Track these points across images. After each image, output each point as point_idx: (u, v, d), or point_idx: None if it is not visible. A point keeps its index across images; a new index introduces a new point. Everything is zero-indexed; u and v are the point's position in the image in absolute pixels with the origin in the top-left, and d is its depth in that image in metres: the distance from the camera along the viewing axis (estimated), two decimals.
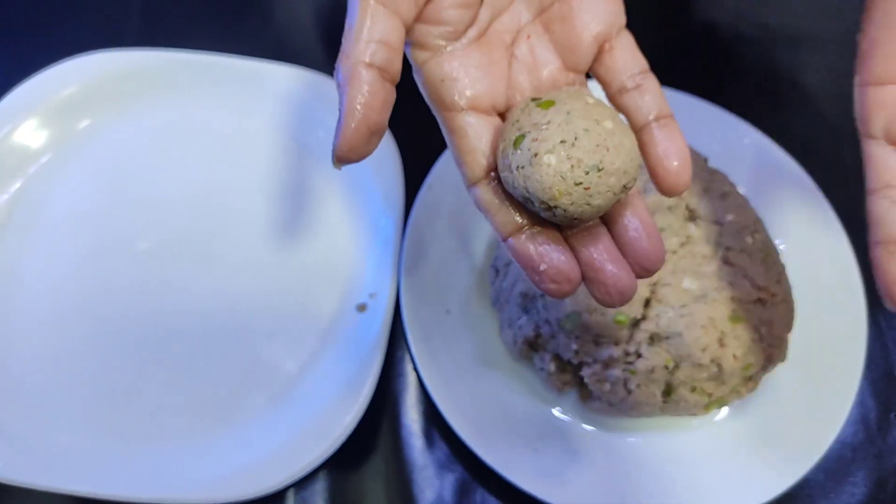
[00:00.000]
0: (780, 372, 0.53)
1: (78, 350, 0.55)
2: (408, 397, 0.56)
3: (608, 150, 0.31)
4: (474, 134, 0.36)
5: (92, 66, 0.64)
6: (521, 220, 0.35)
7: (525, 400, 0.54)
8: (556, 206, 0.31)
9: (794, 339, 0.53)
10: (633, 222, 0.34)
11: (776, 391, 0.54)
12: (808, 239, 0.59)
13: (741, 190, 0.55)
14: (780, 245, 0.57)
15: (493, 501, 0.53)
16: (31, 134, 0.62)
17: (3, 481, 0.49)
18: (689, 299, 0.48)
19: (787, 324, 0.52)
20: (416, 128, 0.62)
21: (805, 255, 0.58)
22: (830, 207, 0.59)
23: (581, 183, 0.31)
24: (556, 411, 0.54)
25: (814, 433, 0.52)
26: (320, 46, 0.71)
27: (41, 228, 0.60)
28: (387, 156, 0.60)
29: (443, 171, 0.60)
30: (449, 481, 0.53)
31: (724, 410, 0.53)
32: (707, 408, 0.51)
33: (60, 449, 0.52)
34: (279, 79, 0.64)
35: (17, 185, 0.61)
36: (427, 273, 0.57)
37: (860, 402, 0.56)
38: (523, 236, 0.34)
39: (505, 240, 0.35)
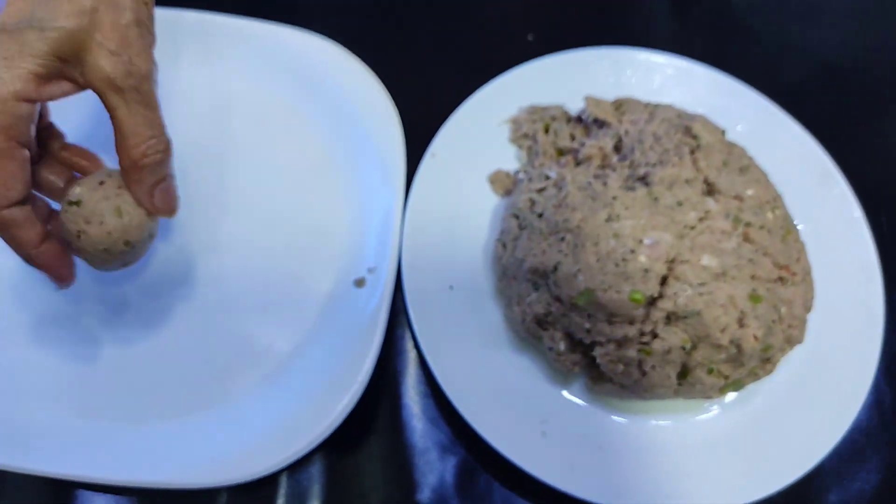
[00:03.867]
0: (794, 354, 0.51)
1: (61, 326, 0.53)
2: (408, 377, 0.53)
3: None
4: None
5: None
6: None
7: (531, 381, 0.52)
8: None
9: (809, 320, 0.51)
10: None
11: (791, 374, 0.52)
12: (825, 218, 0.57)
13: None
14: (796, 221, 0.55)
15: (497, 487, 0.50)
16: None
17: None
18: (708, 277, 0.46)
19: (807, 304, 0.50)
20: (419, 93, 0.60)
21: (821, 234, 0.56)
22: (849, 187, 0.57)
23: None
24: (563, 393, 0.52)
25: (829, 418, 0.51)
26: (319, 8, 0.68)
27: None
28: (387, 123, 0.57)
29: (447, 138, 0.57)
30: (451, 465, 0.51)
31: (738, 393, 0.51)
32: (722, 390, 0.49)
33: (42, 430, 0.49)
34: (274, 39, 0.61)
35: None
36: (429, 247, 0.54)
37: (874, 387, 0.54)
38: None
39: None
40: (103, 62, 0.40)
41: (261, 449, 0.47)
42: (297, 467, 0.50)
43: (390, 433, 0.52)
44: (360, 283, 0.53)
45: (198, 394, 0.51)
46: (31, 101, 0.40)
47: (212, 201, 0.55)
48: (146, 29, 0.43)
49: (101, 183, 0.44)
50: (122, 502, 0.49)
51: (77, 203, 0.43)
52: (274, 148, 0.59)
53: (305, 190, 0.58)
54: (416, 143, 0.57)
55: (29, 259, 0.43)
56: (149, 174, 0.44)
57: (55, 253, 0.44)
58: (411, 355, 0.54)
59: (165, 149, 0.44)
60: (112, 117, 0.42)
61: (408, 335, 0.54)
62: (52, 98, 0.41)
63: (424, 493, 0.50)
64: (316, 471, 0.50)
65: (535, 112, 0.59)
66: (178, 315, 0.53)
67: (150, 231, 0.46)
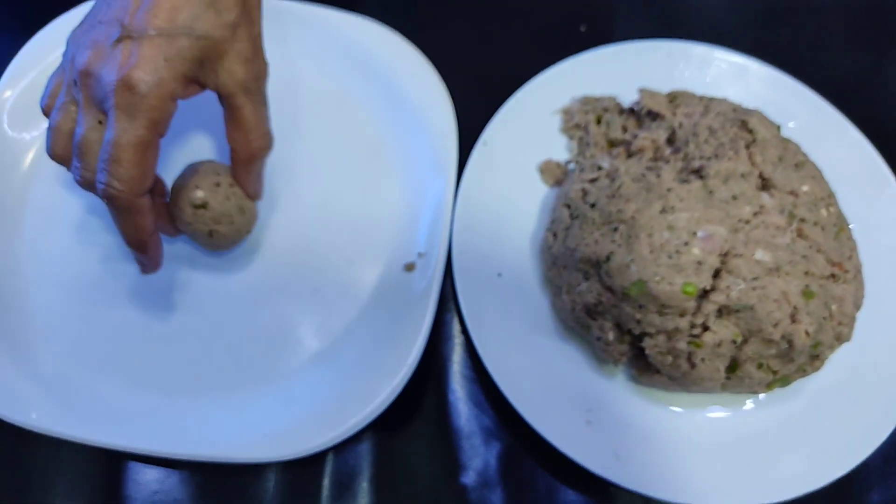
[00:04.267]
0: (841, 352, 0.51)
1: (117, 299, 0.54)
2: (455, 361, 0.54)
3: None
4: None
5: None
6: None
7: (577, 370, 0.52)
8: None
9: (857, 319, 0.50)
10: None
11: (836, 372, 0.52)
12: (875, 218, 0.57)
13: None
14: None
15: (541, 473, 0.51)
16: None
17: (38, 431, 0.48)
18: (761, 271, 0.46)
19: (857, 302, 0.50)
20: (472, 82, 0.60)
21: (870, 234, 0.55)
22: None
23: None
24: (608, 383, 0.52)
25: (874, 417, 0.51)
26: None
27: None
28: (440, 110, 0.57)
29: (498, 127, 0.57)
30: (496, 450, 0.51)
31: (783, 389, 0.51)
32: (770, 386, 0.49)
33: (95, 401, 0.50)
34: (328, 24, 0.61)
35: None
36: (479, 234, 0.55)
37: None
38: None
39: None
40: (238, 68, 0.45)
41: (310, 427, 0.48)
42: (344, 446, 0.51)
43: (437, 416, 0.52)
44: (410, 267, 0.54)
45: (249, 371, 0.52)
46: (176, 100, 0.43)
47: (267, 184, 0.56)
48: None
49: (217, 184, 0.50)
50: (174, 475, 0.50)
51: (203, 206, 0.50)
52: (328, 132, 0.60)
53: (358, 174, 0.58)
54: (469, 132, 0.57)
55: (141, 245, 0.47)
56: (258, 164, 0.50)
57: (159, 242, 0.48)
58: (458, 340, 0.55)
59: (272, 140, 0.50)
60: (236, 116, 0.48)
61: (455, 320, 0.55)
62: (186, 98, 0.45)
63: (469, 476, 0.51)
64: (363, 450, 0.51)
65: (587, 103, 0.59)
66: (232, 293, 0.54)
67: None
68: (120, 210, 0.44)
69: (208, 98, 0.56)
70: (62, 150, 0.46)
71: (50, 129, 0.46)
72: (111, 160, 0.42)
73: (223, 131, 0.49)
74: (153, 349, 0.52)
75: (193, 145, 0.58)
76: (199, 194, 0.50)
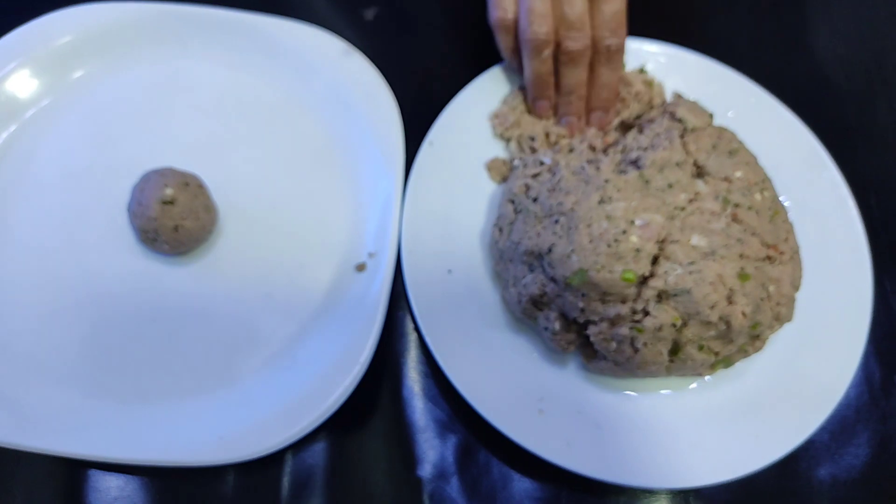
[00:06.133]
0: (784, 332, 0.52)
1: (71, 309, 0.54)
2: (409, 357, 0.55)
3: None
4: None
5: (87, 16, 0.62)
6: None
7: (528, 361, 0.53)
8: None
9: (799, 299, 0.52)
10: None
11: (781, 352, 0.53)
12: (815, 200, 0.58)
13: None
14: (786, 202, 0.56)
15: (496, 463, 0.52)
16: (22, 83, 0.61)
17: None
18: (697, 256, 0.47)
19: (795, 282, 0.51)
20: (417, 83, 0.61)
21: (812, 215, 0.57)
22: (836, 169, 0.59)
23: None
24: (559, 372, 0.53)
25: (818, 395, 0.52)
26: (319, 1, 0.69)
27: (31, 182, 0.58)
28: (386, 112, 0.59)
29: (444, 127, 0.58)
30: (451, 442, 0.52)
31: (730, 370, 0.53)
32: (713, 367, 0.50)
33: (52, 410, 0.51)
34: (275, 33, 0.62)
35: (5, 136, 0.59)
36: (428, 232, 0.56)
37: (864, 364, 0.56)
38: None
39: None
40: None
41: (267, 428, 0.49)
42: (301, 445, 0.52)
43: (392, 412, 0.53)
44: (360, 267, 0.55)
45: (206, 375, 0.52)
46: None
47: (217, 190, 0.57)
48: None
49: (186, 184, 0.53)
50: (133, 481, 0.51)
51: (172, 202, 0.52)
52: (277, 138, 0.61)
53: (308, 178, 0.59)
54: (415, 132, 0.58)
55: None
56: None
57: None
58: (412, 337, 0.56)
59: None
60: None
61: (408, 317, 0.56)
62: None
63: (425, 469, 0.52)
64: (320, 449, 0.52)
65: (515, 97, 0.60)
66: (186, 301, 0.55)
67: None
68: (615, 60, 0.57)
69: (167, 105, 0.58)
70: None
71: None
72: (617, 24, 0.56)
73: (182, 137, 0.54)
74: (108, 358, 0.53)
75: (150, 153, 0.59)
76: (169, 191, 0.52)
